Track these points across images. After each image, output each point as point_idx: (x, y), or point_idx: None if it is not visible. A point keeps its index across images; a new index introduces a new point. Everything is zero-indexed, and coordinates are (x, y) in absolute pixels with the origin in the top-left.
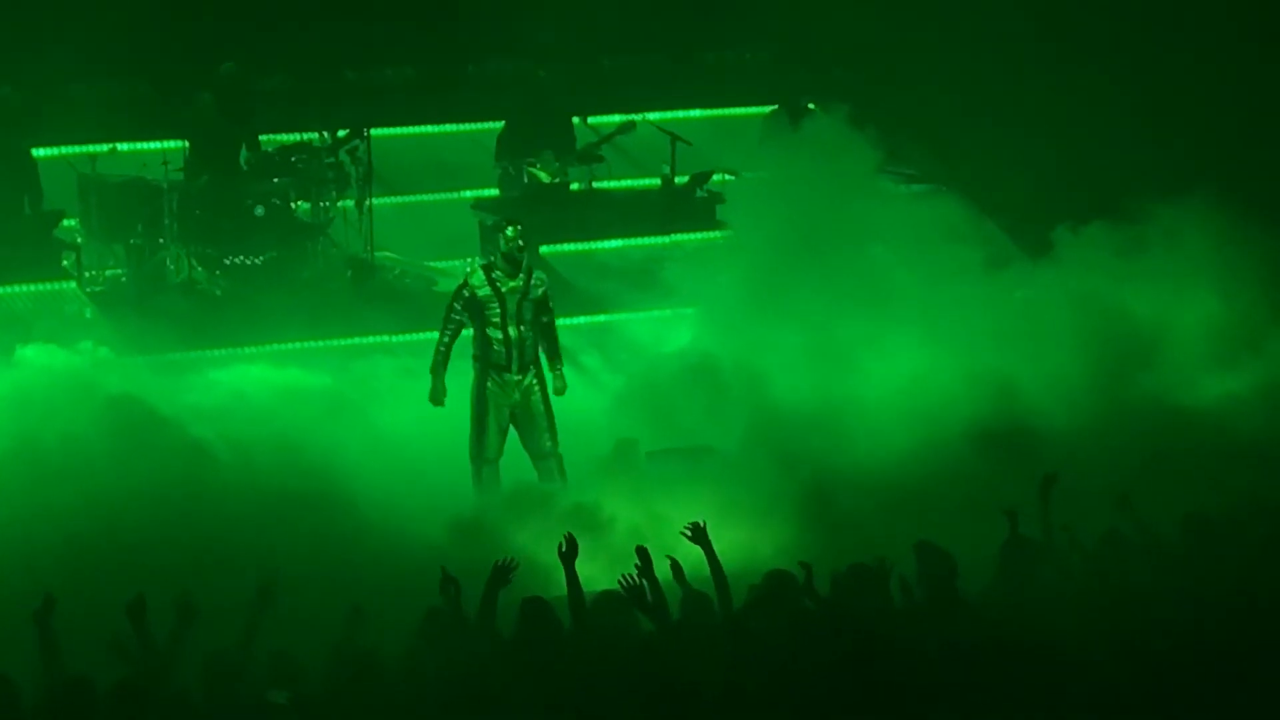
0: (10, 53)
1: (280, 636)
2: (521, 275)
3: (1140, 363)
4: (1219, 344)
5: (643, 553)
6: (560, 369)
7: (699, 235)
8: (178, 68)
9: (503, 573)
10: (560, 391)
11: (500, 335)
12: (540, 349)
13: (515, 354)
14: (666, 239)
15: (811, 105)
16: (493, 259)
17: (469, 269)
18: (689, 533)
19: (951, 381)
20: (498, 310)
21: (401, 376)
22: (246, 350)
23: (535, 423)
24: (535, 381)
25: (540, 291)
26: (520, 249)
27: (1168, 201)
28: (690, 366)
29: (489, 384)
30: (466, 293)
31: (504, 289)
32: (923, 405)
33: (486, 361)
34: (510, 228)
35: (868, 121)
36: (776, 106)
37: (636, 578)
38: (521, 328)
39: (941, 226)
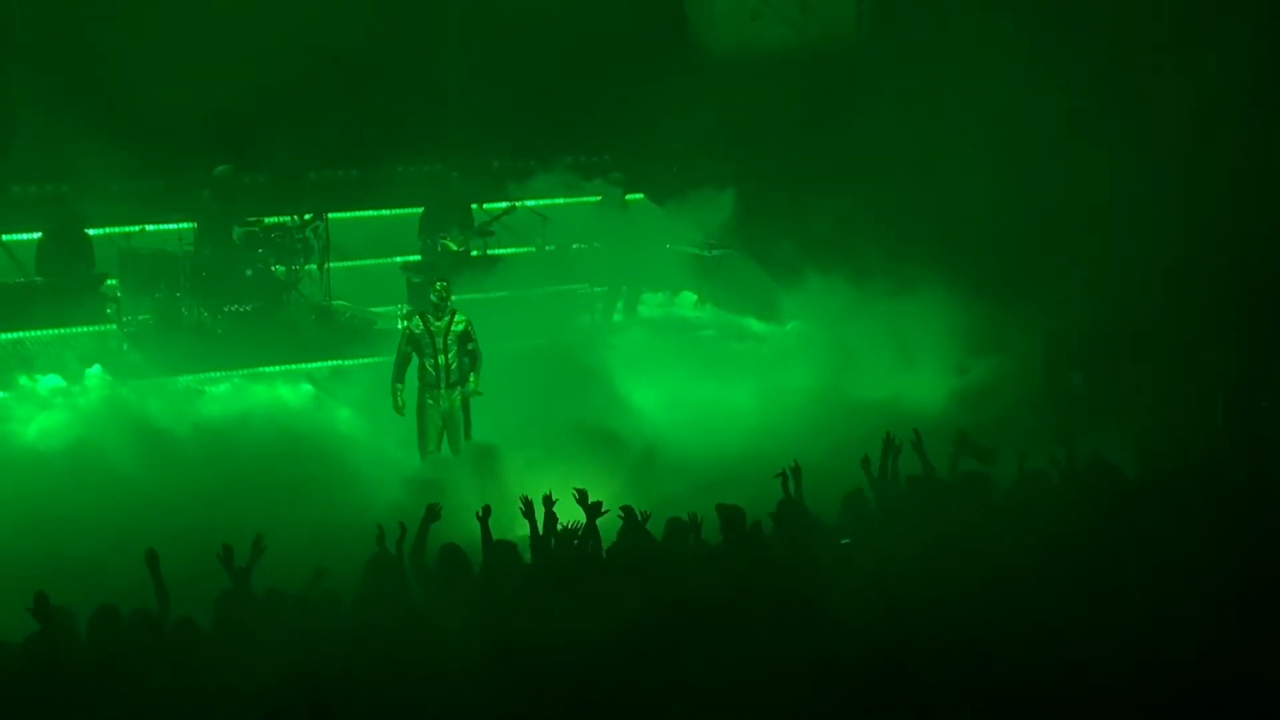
0: (69, 160)
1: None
2: (445, 318)
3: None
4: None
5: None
6: (473, 379)
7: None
8: (188, 172)
9: (432, 513)
10: (474, 394)
11: (432, 363)
12: (464, 369)
13: (443, 376)
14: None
15: (639, 195)
16: (425, 307)
17: (408, 314)
18: (577, 495)
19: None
20: (429, 345)
21: (352, 387)
22: (240, 372)
23: (457, 427)
24: (459, 396)
25: (462, 328)
26: (444, 299)
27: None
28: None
29: (427, 398)
30: (407, 333)
31: (433, 329)
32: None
33: (424, 382)
34: (438, 283)
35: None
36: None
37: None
38: (448, 357)
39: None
